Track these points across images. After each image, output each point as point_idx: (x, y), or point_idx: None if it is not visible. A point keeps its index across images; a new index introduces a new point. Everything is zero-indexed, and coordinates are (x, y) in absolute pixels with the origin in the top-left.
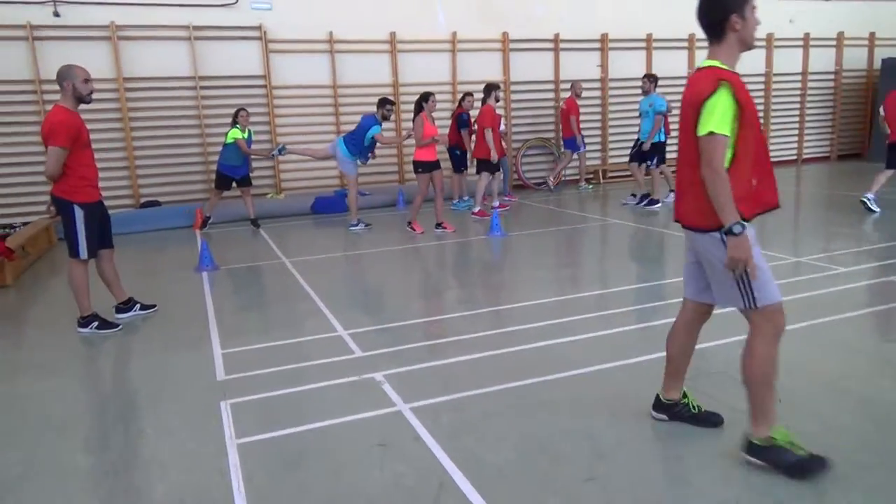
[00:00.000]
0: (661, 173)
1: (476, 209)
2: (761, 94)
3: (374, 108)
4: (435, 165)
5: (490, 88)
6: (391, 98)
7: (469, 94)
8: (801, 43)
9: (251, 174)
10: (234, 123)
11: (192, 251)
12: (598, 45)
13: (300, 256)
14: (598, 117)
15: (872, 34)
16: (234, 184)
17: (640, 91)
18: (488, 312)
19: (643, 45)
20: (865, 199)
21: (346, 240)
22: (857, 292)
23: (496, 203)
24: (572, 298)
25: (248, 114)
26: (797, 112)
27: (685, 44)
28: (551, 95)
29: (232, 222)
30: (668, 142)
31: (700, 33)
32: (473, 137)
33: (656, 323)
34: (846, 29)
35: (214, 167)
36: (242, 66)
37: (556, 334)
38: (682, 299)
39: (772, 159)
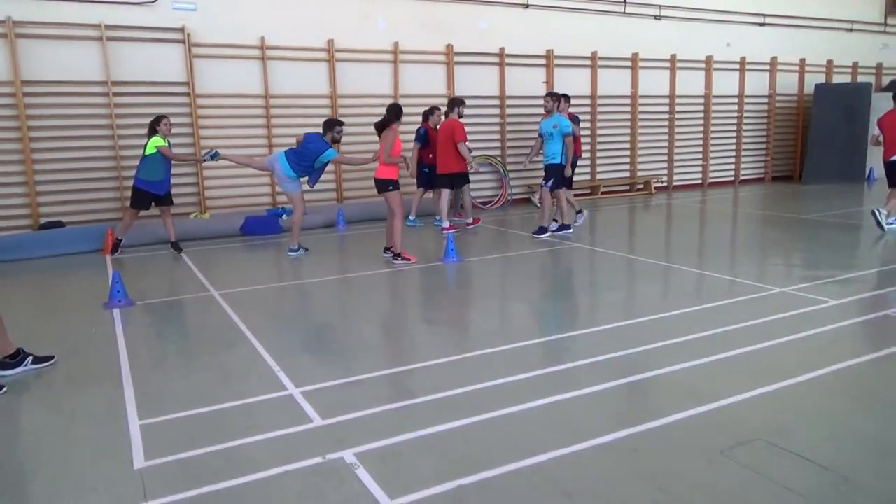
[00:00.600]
0: (555, 199)
1: (469, 220)
2: (701, 115)
3: (313, 124)
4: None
5: (455, 103)
6: (338, 119)
7: (436, 107)
8: (737, 66)
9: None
10: (152, 132)
11: (101, 282)
12: (543, 61)
13: (231, 287)
14: None
15: (803, 60)
16: (153, 202)
17: (586, 110)
18: (467, 359)
19: (588, 62)
20: (883, 221)
21: (284, 267)
22: (857, 330)
23: (446, 224)
24: (554, 341)
25: (170, 123)
26: (734, 133)
27: (629, 63)
28: (497, 111)
29: (149, 246)
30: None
31: (644, 53)
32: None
33: (657, 373)
34: (779, 54)
35: (129, 183)
36: (162, 71)
37: (550, 389)
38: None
39: (710, 180)
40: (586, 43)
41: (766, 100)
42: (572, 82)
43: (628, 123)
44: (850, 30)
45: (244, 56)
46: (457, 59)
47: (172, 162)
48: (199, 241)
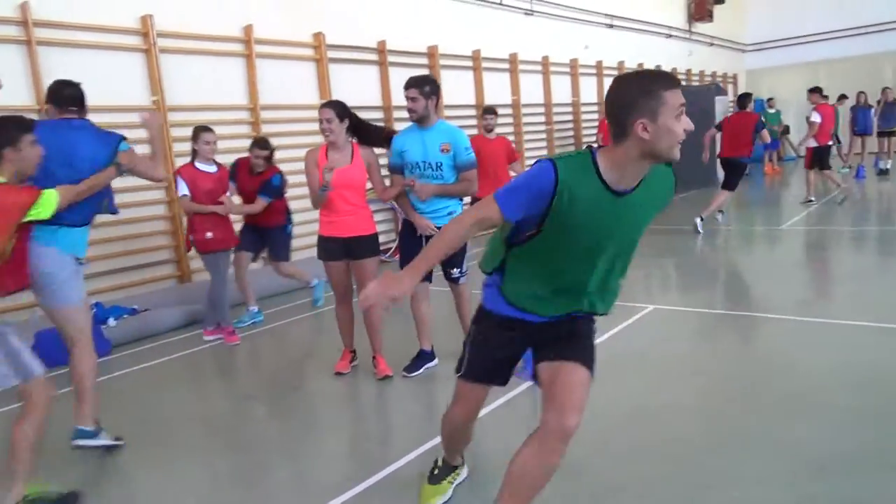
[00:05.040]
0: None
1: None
2: (571, 124)
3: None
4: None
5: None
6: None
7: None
8: (594, 71)
9: None
10: None
11: None
12: (426, 60)
13: None
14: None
15: (641, 64)
16: None
17: (469, 123)
18: None
19: (471, 64)
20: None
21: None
22: None
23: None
24: None
25: None
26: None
27: (507, 65)
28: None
29: None
30: None
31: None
32: None
33: None
34: (626, 59)
35: None
36: None
37: None
38: None
39: None
40: (469, 40)
41: (596, 107)
42: (456, 87)
43: (513, 138)
44: (669, 36)
45: (120, 46)
46: (331, 53)
47: None
48: None
